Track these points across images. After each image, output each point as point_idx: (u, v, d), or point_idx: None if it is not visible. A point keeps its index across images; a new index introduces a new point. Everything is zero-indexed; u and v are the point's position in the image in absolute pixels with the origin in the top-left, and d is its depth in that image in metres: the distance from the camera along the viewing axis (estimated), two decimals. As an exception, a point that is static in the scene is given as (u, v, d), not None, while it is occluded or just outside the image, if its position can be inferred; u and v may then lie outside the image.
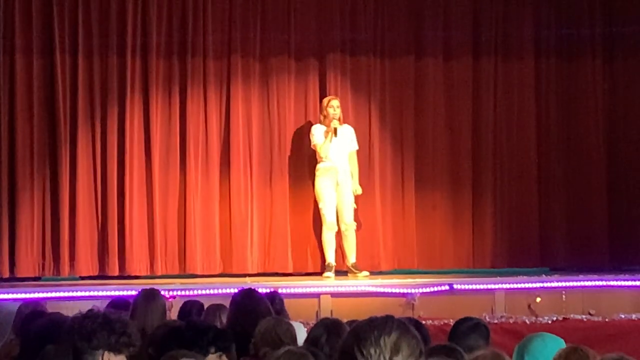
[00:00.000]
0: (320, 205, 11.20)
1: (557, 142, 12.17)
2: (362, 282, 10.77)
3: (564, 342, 5.00)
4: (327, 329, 5.33)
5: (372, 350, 2.87)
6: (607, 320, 10.18)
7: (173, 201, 11.42)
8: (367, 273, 11.19)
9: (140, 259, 11.24)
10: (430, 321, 9.46)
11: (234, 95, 11.61)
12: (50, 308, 7.35)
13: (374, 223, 11.72)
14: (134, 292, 7.33)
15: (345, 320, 5.73)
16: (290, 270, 11.52)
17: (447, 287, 10.49)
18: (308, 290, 10.30)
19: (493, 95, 12.10)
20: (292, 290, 10.05)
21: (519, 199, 12.08)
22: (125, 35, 11.37)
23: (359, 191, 11.29)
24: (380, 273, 11.48)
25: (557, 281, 10.66)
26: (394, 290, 10.38)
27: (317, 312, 9.99)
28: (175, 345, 4.67)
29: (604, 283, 10.71)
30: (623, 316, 10.27)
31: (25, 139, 11.18)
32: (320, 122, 11.33)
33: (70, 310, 5.91)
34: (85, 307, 4.83)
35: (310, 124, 11.48)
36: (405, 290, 10.35)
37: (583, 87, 12.22)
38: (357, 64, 11.91)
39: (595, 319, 10.19)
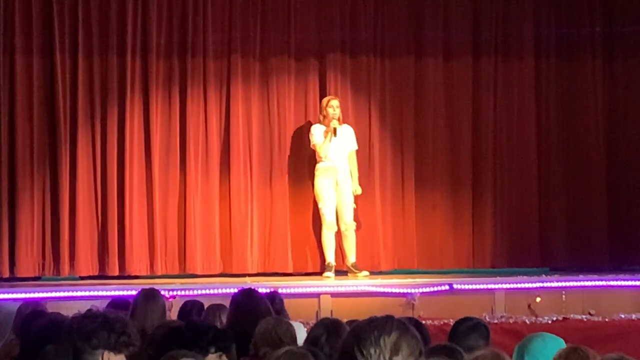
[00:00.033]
0: (320, 205, 11.20)
1: (557, 142, 12.17)
2: (362, 282, 10.77)
3: (564, 342, 5.00)
4: (327, 329, 5.33)
5: (372, 350, 2.87)
6: (607, 320, 10.19)
7: (173, 201, 11.42)
8: (367, 273, 11.19)
9: (140, 259, 11.24)
10: (430, 321, 9.46)
11: (234, 95, 11.61)
12: (50, 308, 7.35)
13: (374, 223, 11.72)
14: (134, 292, 7.33)
15: (345, 320, 5.73)
16: (290, 270, 11.52)
17: (447, 287, 10.49)
18: (308, 290, 10.30)
19: (493, 95, 12.10)
20: (292, 290, 10.05)
21: (519, 199, 12.08)
22: (125, 35, 11.37)
23: (359, 191, 11.29)
24: (380, 273, 11.48)
25: (557, 281, 10.67)
26: (394, 290, 10.38)
27: (317, 312, 9.99)
28: (175, 345, 4.67)
29: (604, 283, 10.71)
30: (623, 316, 10.27)
31: (25, 139, 11.18)
32: (319, 122, 11.33)
33: (70, 310, 5.91)
34: (85, 307, 4.83)
35: (310, 124, 11.48)
36: (405, 290, 10.36)
37: (583, 87, 12.22)
38: (357, 64, 11.91)
39: (595, 319, 10.20)
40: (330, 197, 11.15)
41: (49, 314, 6.20)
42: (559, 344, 4.94)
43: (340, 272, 11.26)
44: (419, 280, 10.70)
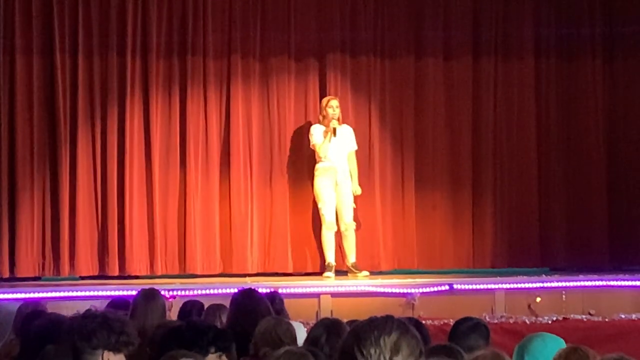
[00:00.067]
0: (320, 205, 11.20)
1: (557, 142, 12.16)
2: (362, 282, 10.77)
3: (564, 342, 5.00)
4: (327, 329, 5.33)
5: (372, 350, 2.87)
6: (607, 320, 10.19)
7: (173, 201, 11.42)
8: (367, 273, 11.19)
9: (140, 259, 11.24)
10: (430, 321, 9.46)
11: (234, 95, 11.61)
12: (50, 308, 7.34)
13: (374, 223, 11.72)
14: (133, 292, 7.32)
15: (345, 320, 5.73)
16: (290, 270, 11.52)
17: (447, 287, 10.49)
18: (308, 290, 10.31)
19: (493, 95, 12.10)
20: (292, 290, 10.05)
21: (519, 199, 12.08)
22: (125, 35, 11.37)
23: (359, 191, 11.29)
24: (380, 273, 11.47)
25: (557, 281, 10.67)
26: (394, 290, 10.38)
27: (317, 312, 9.99)
28: (175, 345, 4.67)
29: (604, 283, 10.71)
30: (623, 316, 10.27)
31: (25, 139, 11.18)
32: (319, 122, 11.33)
33: (70, 310, 5.93)
34: (85, 307, 4.83)
35: (310, 124, 11.48)
36: (405, 290, 10.36)
37: (583, 87, 12.22)
38: (357, 64, 11.91)
39: (595, 319, 10.20)
40: (330, 197, 11.15)
41: (49, 314, 6.20)
42: (559, 344, 4.94)
43: (340, 272, 11.26)
44: (419, 280, 10.70)
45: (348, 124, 11.48)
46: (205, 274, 11.31)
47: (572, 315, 10.25)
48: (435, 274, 11.38)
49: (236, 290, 6.64)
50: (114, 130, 11.31)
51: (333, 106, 11.23)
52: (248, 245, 11.46)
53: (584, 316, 10.26)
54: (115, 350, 4.17)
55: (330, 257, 11.17)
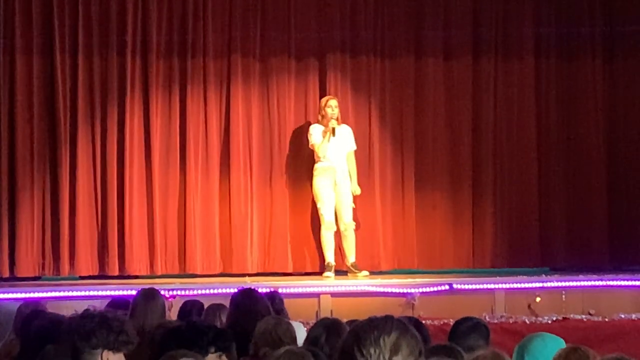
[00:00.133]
0: (319, 205, 11.20)
1: (557, 142, 12.16)
2: (362, 282, 10.77)
3: (564, 342, 5.00)
4: (326, 329, 5.33)
5: (371, 350, 2.87)
6: (607, 320, 10.19)
7: (173, 201, 11.42)
8: (366, 273, 11.19)
9: (140, 259, 11.24)
10: (430, 321, 9.46)
11: (234, 95, 11.61)
12: (50, 308, 7.35)
13: (374, 223, 11.71)
14: (133, 292, 7.32)
15: (345, 320, 5.73)
16: (290, 270, 11.52)
17: (447, 287, 10.49)
18: (308, 290, 10.31)
19: (493, 95, 12.09)
20: (292, 290, 10.06)
21: (519, 199, 12.07)
22: (125, 35, 11.37)
23: (358, 191, 11.28)
24: (380, 273, 11.47)
25: (557, 281, 10.67)
26: (394, 290, 10.38)
27: (317, 312, 9.99)
28: (175, 345, 4.67)
29: (604, 283, 10.71)
30: (623, 316, 10.27)
31: (25, 139, 11.18)
32: (318, 122, 11.32)
33: (70, 310, 5.92)
34: (85, 307, 4.83)
35: (310, 124, 11.48)
36: (405, 290, 10.36)
37: (583, 87, 12.21)
38: (357, 64, 11.90)
39: (595, 319, 10.20)
40: (329, 197, 11.14)
41: (49, 314, 6.20)
42: (559, 344, 4.94)
43: (340, 272, 11.26)
44: (419, 280, 10.70)
45: (348, 124, 11.48)
46: (205, 273, 11.31)
47: (572, 315, 10.25)
48: (435, 274, 11.37)
49: (236, 290, 6.64)
50: (114, 130, 11.31)
51: (332, 106, 11.22)
52: (248, 245, 11.46)
53: (584, 316, 10.26)
54: (115, 349, 4.17)
55: (329, 257, 11.17)
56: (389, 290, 10.40)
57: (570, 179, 12.13)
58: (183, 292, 9.85)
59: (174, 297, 9.70)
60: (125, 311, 6.36)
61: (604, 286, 10.68)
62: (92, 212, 11.23)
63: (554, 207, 12.06)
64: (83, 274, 11.17)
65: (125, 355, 4.25)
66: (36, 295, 9.48)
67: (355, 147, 11.38)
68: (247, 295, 6.47)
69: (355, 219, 11.31)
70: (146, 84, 11.43)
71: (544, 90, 12.16)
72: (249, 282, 10.11)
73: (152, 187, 11.35)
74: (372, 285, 10.52)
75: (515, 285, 10.58)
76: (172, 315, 8.16)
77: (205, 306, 7.24)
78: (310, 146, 11.30)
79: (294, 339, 5.54)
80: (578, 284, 10.67)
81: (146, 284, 9.16)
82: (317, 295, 10.25)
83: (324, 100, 11.35)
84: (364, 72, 11.91)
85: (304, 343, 5.35)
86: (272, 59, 11.72)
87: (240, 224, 11.47)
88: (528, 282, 10.65)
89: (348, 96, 11.81)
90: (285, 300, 7.66)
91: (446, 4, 12.05)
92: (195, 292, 9.90)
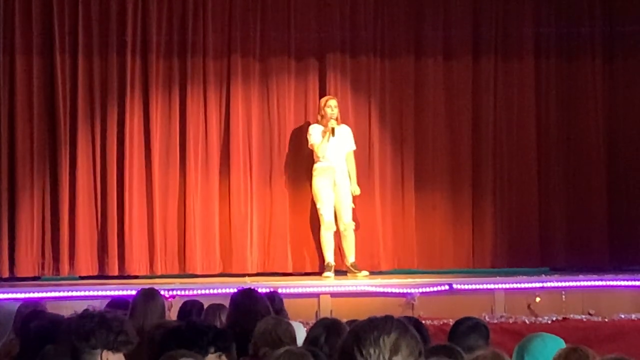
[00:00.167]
0: (318, 205, 11.20)
1: (557, 142, 12.16)
2: (361, 282, 10.77)
3: (563, 342, 5.00)
4: (326, 329, 5.33)
5: (371, 350, 2.87)
6: (606, 320, 10.18)
7: (173, 201, 11.42)
8: (366, 273, 11.19)
9: (139, 259, 11.24)
10: (430, 321, 9.45)
11: (234, 95, 11.61)
12: (50, 308, 7.35)
13: (373, 223, 11.71)
14: (133, 292, 7.32)
15: (345, 320, 5.73)
16: (289, 270, 11.51)
17: (446, 287, 10.49)
18: (308, 290, 10.31)
19: (493, 95, 12.09)
20: (292, 290, 10.06)
21: (519, 199, 12.07)
22: (125, 35, 11.37)
23: (357, 191, 11.28)
24: (380, 273, 11.47)
25: (557, 281, 10.67)
26: (393, 290, 10.38)
27: (316, 312, 9.99)
28: (174, 345, 4.67)
29: (604, 283, 10.71)
30: (623, 316, 10.27)
31: (25, 139, 11.18)
32: (317, 122, 11.32)
33: (70, 310, 5.91)
34: (84, 307, 4.83)
35: (309, 124, 11.47)
36: (405, 290, 10.36)
37: (583, 87, 12.21)
38: (357, 64, 11.90)
39: (595, 319, 10.19)
40: (328, 197, 11.14)
41: (49, 314, 6.20)
42: (559, 344, 4.94)
43: (340, 272, 11.26)
44: (419, 280, 10.70)
45: (348, 124, 11.48)
46: (205, 273, 11.31)
47: (571, 315, 10.25)
48: (435, 274, 11.37)
49: (236, 290, 6.64)
50: (114, 130, 11.31)
51: (331, 106, 11.22)
52: (248, 245, 11.46)
53: (583, 316, 10.26)
54: (114, 349, 4.17)
55: (329, 257, 11.17)
56: (389, 290, 10.40)
57: (570, 179, 12.13)
58: (183, 292, 9.85)
59: (173, 297, 9.70)
60: (124, 311, 6.36)
61: (604, 286, 10.68)
62: (92, 212, 11.23)
63: (554, 207, 12.06)
64: (83, 274, 11.17)
65: (125, 355, 4.25)
66: (36, 295, 9.47)
67: (354, 147, 11.38)
68: (247, 295, 6.47)
69: (355, 219, 11.30)
70: (146, 84, 11.43)
71: (544, 90, 12.16)
72: (248, 282, 10.11)
73: (152, 187, 11.35)
74: (372, 286, 10.52)
75: (515, 285, 10.57)
76: (172, 315, 8.15)
77: (205, 306, 7.24)
78: (309, 146, 11.30)
79: (293, 339, 5.54)
80: (578, 284, 10.67)
81: (146, 284, 9.15)
82: (316, 295, 10.25)
83: (323, 100, 11.35)
84: (364, 72, 11.91)
85: (304, 343, 5.35)
86: (272, 59, 11.72)
87: (240, 224, 11.47)
88: (528, 282, 10.65)
89: (348, 96, 11.81)
90: (285, 301, 7.66)
91: (446, 4, 12.05)
92: (195, 292, 9.90)
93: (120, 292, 9.44)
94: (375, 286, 10.49)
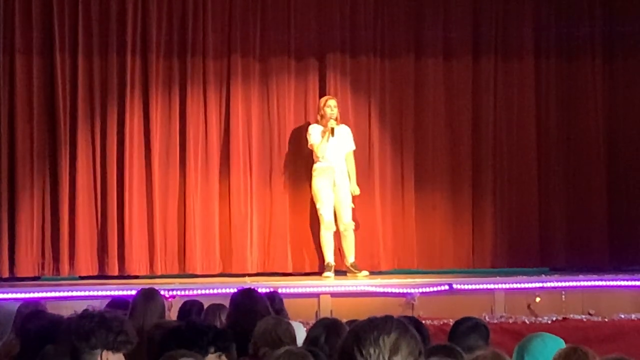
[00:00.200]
0: (318, 205, 11.20)
1: (557, 142, 12.16)
2: (361, 282, 10.77)
3: (563, 342, 4.99)
4: (326, 329, 5.33)
5: (371, 350, 2.86)
6: (606, 320, 10.18)
7: (173, 201, 11.42)
8: (366, 273, 11.19)
9: (139, 259, 11.24)
10: (430, 321, 9.45)
11: (234, 95, 11.61)
12: (50, 308, 7.34)
13: (373, 223, 11.71)
14: (133, 292, 7.32)
15: (344, 320, 5.73)
16: (289, 270, 11.51)
17: (446, 287, 10.49)
18: (308, 290, 10.31)
19: (493, 95, 12.10)
20: (292, 290, 10.06)
21: (519, 199, 12.07)
22: (125, 34, 11.36)
23: (357, 191, 11.28)
24: (380, 273, 11.47)
25: (557, 281, 10.67)
26: (393, 290, 10.38)
27: (316, 312, 9.99)
28: (174, 345, 4.67)
29: (604, 283, 10.72)
30: (623, 316, 10.27)
31: (25, 139, 11.18)
32: (317, 122, 11.32)
33: (70, 310, 5.91)
34: (84, 307, 4.82)
35: (310, 124, 11.47)
36: (405, 290, 10.36)
37: (583, 87, 12.22)
38: (357, 64, 11.90)
39: (595, 319, 10.19)
40: (328, 197, 11.14)
41: (49, 314, 6.20)
42: (559, 344, 4.94)
43: (340, 272, 11.26)
44: (419, 280, 10.70)
45: (348, 124, 11.48)
46: (204, 273, 11.31)
47: (571, 315, 10.25)
48: (435, 274, 11.37)
49: (236, 290, 6.64)
50: (113, 130, 11.31)
51: (331, 106, 11.22)
52: (248, 245, 11.46)
53: (583, 316, 10.26)
54: (114, 349, 4.17)
55: (329, 257, 11.17)
56: (389, 290, 10.40)
57: (570, 179, 12.14)
58: (183, 292, 9.85)
59: (173, 297, 9.70)
60: (124, 311, 6.36)
61: (604, 286, 10.68)
62: (92, 212, 11.23)
63: (554, 207, 12.06)
64: (83, 274, 11.17)
65: (124, 355, 4.25)
66: (36, 295, 9.47)
67: (354, 147, 11.38)
68: (246, 295, 6.47)
69: (354, 219, 11.30)
70: (146, 84, 11.43)
71: (543, 90, 12.16)
72: (248, 282, 10.11)
73: (152, 187, 11.35)
74: (372, 285, 10.52)
75: (515, 286, 10.58)
76: (172, 315, 8.15)
77: (205, 306, 7.24)
78: (309, 146, 11.30)
79: (293, 339, 5.54)
80: (578, 284, 10.67)
81: (146, 284, 9.15)
82: (316, 295, 10.25)
83: (323, 100, 11.35)
84: (364, 72, 11.91)
85: (304, 343, 5.35)
86: (272, 59, 11.72)
87: (240, 224, 11.47)
88: (528, 282, 10.65)
89: (348, 96, 11.81)
90: (285, 301, 7.66)
91: (446, 4, 12.05)
92: (195, 292, 9.90)
93: (120, 292, 9.43)
94: (375, 286, 10.49)
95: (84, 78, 11.30)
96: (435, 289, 10.45)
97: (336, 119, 11.21)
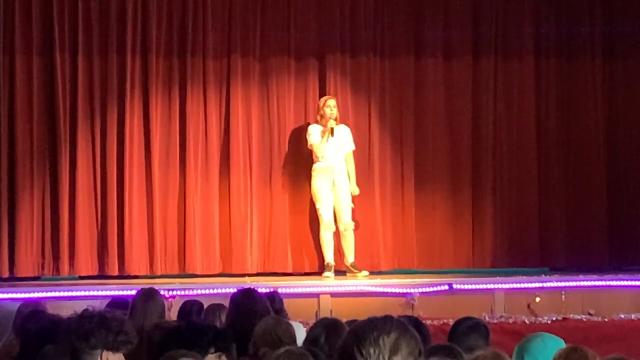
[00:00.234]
0: (317, 206, 11.20)
1: (557, 142, 12.16)
2: (361, 282, 10.77)
3: (563, 342, 4.99)
4: (326, 329, 5.33)
5: (371, 350, 2.86)
6: (606, 320, 10.18)
7: (173, 201, 11.42)
8: (366, 273, 11.19)
9: (139, 259, 11.24)
10: (430, 321, 9.45)
11: (234, 95, 11.61)
12: (50, 308, 7.34)
13: (373, 223, 11.71)
14: (133, 292, 7.32)
15: (344, 320, 5.72)
16: (289, 270, 11.52)
17: (446, 287, 10.49)
18: (307, 290, 10.31)
19: (493, 95, 12.10)
20: (292, 290, 10.06)
21: (519, 199, 12.07)
22: (125, 34, 11.36)
23: (357, 192, 11.28)
24: (380, 273, 11.47)
25: (557, 281, 10.67)
26: (393, 290, 10.38)
27: (316, 312, 9.99)
28: (174, 345, 4.67)
29: (604, 283, 10.71)
30: (623, 316, 10.27)
31: (25, 139, 11.18)
32: (317, 122, 11.32)
33: (70, 310, 5.91)
34: (84, 307, 4.82)
35: (309, 124, 11.47)
36: (405, 290, 10.36)
37: (583, 87, 12.22)
38: (357, 64, 11.90)
39: (595, 319, 10.19)
40: (327, 197, 11.14)
41: (49, 314, 6.20)
42: (559, 344, 4.94)
43: (340, 272, 11.26)
44: (419, 280, 10.70)
45: (347, 124, 11.48)
46: (204, 273, 11.31)
47: (571, 315, 10.25)
48: (434, 274, 11.37)
49: (236, 290, 6.63)
50: (113, 130, 11.31)
51: (330, 106, 11.22)
52: (247, 245, 11.46)
53: (583, 316, 10.26)
54: (114, 349, 4.17)
55: (329, 257, 11.17)
56: (389, 290, 10.40)
57: (570, 179, 12.14)
58: (183, 292, 9.85)
59: (173, 297, 9.70)
60: (124, 311, 6.36)
61: (604, 286, 10.68)
62: (92, 212, 11.23)
63: (554, 207, 12.06)
64: (83, 274, 11.17)
65: (124, 355, 4.25)
66: (36, 295, 9.47)
67: (353, 147, 11.38)
68: (246, 295, 6.47)
69: (354, 219, 11.30)
70: (146, 84, 11.43)
71: (543, 90, 12.16)
72: (248, 282, 10.11)
73: (152, 187, 11.35)
74: (372, 285, 10.52)
75: (515, 286, 10.58)
76: (172, 315, 8.15)
77: (205, 306, 7.24)
78: (308, 146, 11.30)
79: (293, 339, 5.54)
80: (578, 284, 10.67)
81: (146, 284, 9.14)
82: (316, 295, 10.25)
83: (322, 100, 11.35)
84: (364, 72, 11.91)
85: (304, 343, 5.35)
86: (272, 59, 11.72)
87: (239, 224, 11.48)
88: (528, 282, 10.65)
89: (348, 96, 11.81)
90: (285, 300, 7.66)
91: (446, 4, 12.05)
92: (195, 292, 9.90)
93: (120, 292, 9.42)
94: (375, 286, 10.49)
95: (84, 78, 11.30)
96: (435, 289, 10.45)
97: (336, 119, 11.21)
